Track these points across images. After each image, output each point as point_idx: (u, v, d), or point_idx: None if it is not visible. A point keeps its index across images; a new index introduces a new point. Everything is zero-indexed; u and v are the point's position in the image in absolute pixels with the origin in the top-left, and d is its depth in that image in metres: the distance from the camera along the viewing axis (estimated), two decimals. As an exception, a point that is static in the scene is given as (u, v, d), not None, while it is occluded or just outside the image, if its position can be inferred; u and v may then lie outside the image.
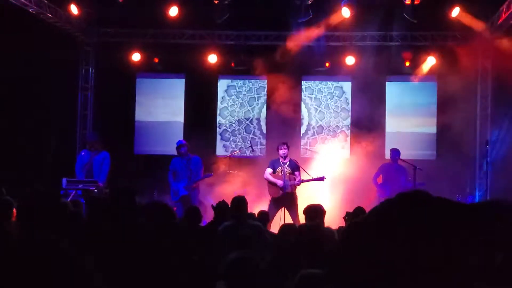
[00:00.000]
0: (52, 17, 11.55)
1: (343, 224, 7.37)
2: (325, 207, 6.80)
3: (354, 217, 6.94)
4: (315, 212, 6.41)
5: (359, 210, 7.07)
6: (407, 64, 12.92)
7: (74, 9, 11.66)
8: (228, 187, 11.32)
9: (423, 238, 1.26)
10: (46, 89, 12.00)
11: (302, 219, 7.47)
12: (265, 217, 7.83)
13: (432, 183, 10.86)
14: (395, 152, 11.50)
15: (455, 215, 1.33)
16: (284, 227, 5.71)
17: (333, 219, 8.69)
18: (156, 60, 13.28)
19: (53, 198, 5.56)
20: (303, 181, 10.29)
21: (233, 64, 13.28)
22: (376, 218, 1.36)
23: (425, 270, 1.24)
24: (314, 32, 12.44)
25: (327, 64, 13.22)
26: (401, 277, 1.25)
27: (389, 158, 11.68)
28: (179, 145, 10.93)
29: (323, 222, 6.56)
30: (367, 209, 9.39)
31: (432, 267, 1.24)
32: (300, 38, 12.62)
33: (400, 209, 1.33)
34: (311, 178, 10.40)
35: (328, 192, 11.41)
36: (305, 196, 10.49)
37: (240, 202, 6.49)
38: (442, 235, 1.27)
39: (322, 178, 10.42)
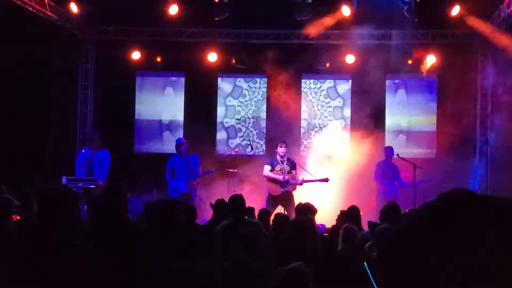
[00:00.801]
0: (52, 15, 11.54)
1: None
2: (323, 205, 6.83)
3: (348, 215, 6.94)
4: (306, 210, 6.42)
5: (353, 209, 7.06)
6: (408, 62, 12.91)
7: (74, 7, 11.66)
8: (227, 186, 11.33)
9: (477, 241, 1.16)
10: (46, 87, 12.00)
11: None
12: (266, 216, 7.82)
13: (432, 181, 10.87)
14: (389, 150, 11.46)
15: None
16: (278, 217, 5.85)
17: (330, 217, 8.70)
18: (159, 59, 13.29)
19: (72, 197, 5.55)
20: (305, 181, 10.29)
21: (234, 61, 13.25)
22: (422, 222, 1.24)
23: (478, 275, 1.14)
24: (314, 30, 12.45)
25: (327, 64, 13.23)
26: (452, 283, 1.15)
27: (385, 156, 11.56)
28: (179, 143, 10.92)
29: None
30: (367, 207, 9.41)
31: (486, 272, 1.14)
32: (301, 36, 12.66)
33: (448, 211, 1.22)
34: (314, 179, 10.40)
35: (327, 190, 11.38)
36: (303, 194, 10.49)
37: (238, 200, 6.49)
38: (498, 237, 1.16)
39: (325, 180, 10.42)
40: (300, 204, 6.69)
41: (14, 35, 10.57)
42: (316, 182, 10.46)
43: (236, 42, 13.20)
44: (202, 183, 11.37)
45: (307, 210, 6.47)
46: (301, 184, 10.25)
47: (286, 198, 10.10)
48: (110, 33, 13.22)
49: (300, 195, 10.22)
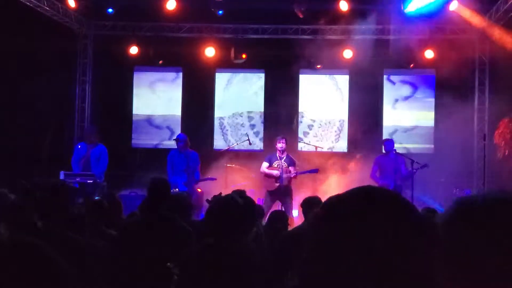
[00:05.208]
0: (50, 10, 11.51)
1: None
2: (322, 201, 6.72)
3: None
4: (313, 204, 6.33)
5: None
6: (405, 57, 12.87)
7: (71, 2, 11.62)
8: (225, 181, 11.32)
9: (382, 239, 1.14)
10: (44, 82, 11.97)
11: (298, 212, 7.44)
12: (259, 212, 7.79)
13: (430, 177, 10.85)
14: (388, 143, 11.01)
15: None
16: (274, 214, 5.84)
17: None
18: (161, 62, 13.27)
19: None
20: (298, 173, 10.34)
21: (235, 53, 13.14)
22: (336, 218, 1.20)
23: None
24: (312, 25, 12.44)
25: (318, 66, 13.15)
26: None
27: (384, 150, 11.29)
28: (177, 139, 10.76)
29: None
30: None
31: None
32: (298, 31, 12.65)
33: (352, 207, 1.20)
34: (304, 170, 10.48)
35: (326, 186, 11.38)
36: (302, 190, 10.50)
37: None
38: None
39: (315, 170, 10.48)
40: (306, 199, 6.50)
41: (11, 30, 10.54)
42: (311, 177, 10.53)
43: (234, 37, 13.17)
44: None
45: (313, 205, 6.30)
46: (295, 177, 10.28)
47: (283, 193, 10.11)
48: (107, 28, 13.19)
49: (298, 191, 10.24)
